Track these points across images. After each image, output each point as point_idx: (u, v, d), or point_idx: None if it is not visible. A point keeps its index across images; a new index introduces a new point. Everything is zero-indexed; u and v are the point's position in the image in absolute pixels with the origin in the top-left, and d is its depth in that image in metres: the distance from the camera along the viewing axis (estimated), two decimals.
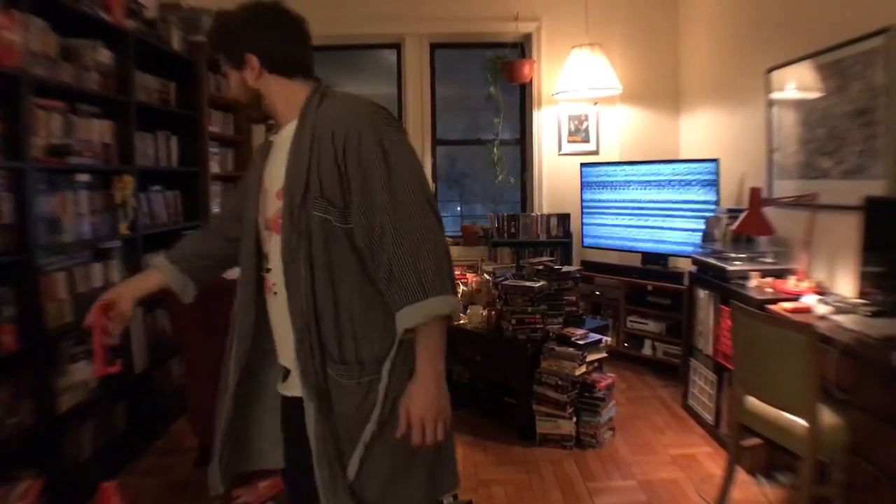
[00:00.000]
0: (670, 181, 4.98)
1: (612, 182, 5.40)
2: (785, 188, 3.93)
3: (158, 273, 1.90)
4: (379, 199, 1.51)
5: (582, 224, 5.65)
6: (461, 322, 4.19)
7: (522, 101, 6.20)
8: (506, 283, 3.98)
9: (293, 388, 1.67)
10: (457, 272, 4.81)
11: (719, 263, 3.77)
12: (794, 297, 3.19)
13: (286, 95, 1.67)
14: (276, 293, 1.68)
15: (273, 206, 1.66)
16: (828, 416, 2.51)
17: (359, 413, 1.58)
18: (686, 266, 4.51)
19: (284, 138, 1.66)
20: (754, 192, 3.71)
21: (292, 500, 1.87)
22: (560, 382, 3.66)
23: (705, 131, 5.32)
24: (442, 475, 1.72)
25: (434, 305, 1.50)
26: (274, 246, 1.66)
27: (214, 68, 5.02)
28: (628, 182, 5.28)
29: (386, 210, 1.51)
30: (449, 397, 1.57)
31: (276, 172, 1.66)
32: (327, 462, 1.57)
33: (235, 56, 1.67)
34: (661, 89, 5.83)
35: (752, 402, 2.78)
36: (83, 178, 3.32)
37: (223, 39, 1.69)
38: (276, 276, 1.66)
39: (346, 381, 1.58)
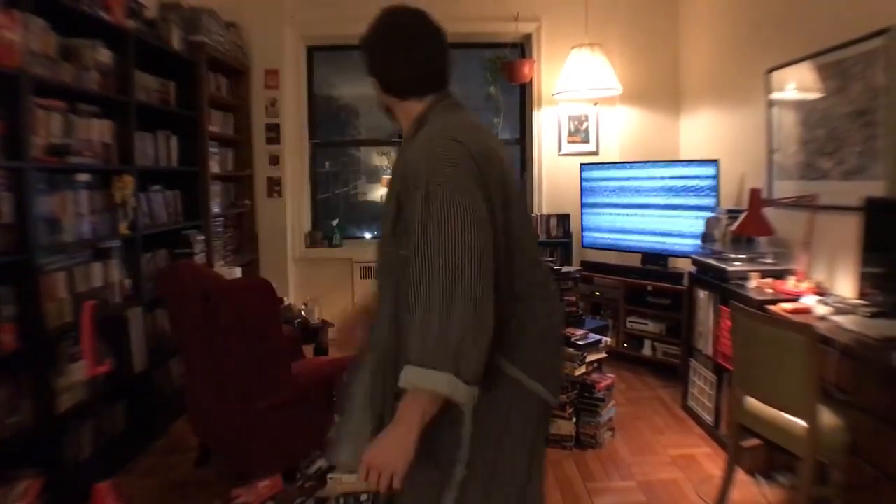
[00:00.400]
0: (670, 182, 4.98)
1: (612, 183, 5.40)
2: (785, 189, 3.93)
3: None
4: (414, 245, 1.46)
5: (582, 224, 5.65)
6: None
7: (522, 101, 6.20)
8: None
9: None
10: None
11: (719, 264, 3.77)
12: (794, 298, 3.20)
13: (402, 113, 1.75)
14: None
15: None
16: (827, 417, 2.51)
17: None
18: (686, 266, 4.51)
19: None
20: (754, 192, 3.71)
21: None
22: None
23: (705, 132, 5.32)
24: None
25: (433, 380, 1.40)
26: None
27: (214, 68, 5.03)
28: (628, 183, 5.28)
29: (416, 260, 1.44)
30: (408, 458, 1.43)
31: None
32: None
33: (370, 73, 1.76)
34: (661, 90, 5.83)
35: (752, 402, 2.78)
36: (83, 177, 3.32)
37: (363, 58, 1.77)
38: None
39: None
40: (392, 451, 1.44)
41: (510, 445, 1.64)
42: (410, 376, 1.41)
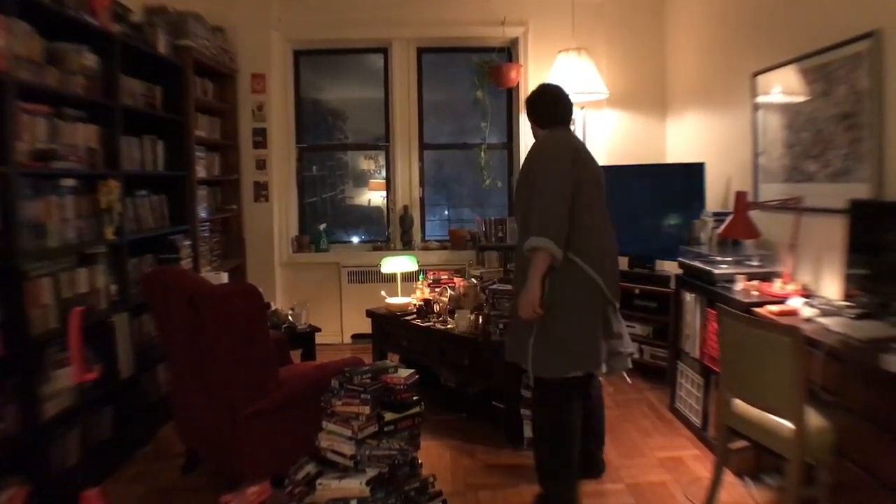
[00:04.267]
0: (657, 185, 5.00)
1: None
2: (771, 191, 3.95)
3: None
4: (537, 187, 2.88)
5: None
6: (448, 326, 4.19)
7: (509, 105, 6.22)
8: (493, 287, 3.98)
9: None
10: (444, 276, 4.83)
11: (706, 267, 3.79)
12: (780, 300, 3.22)
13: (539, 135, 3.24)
14: None
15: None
16: (814, 419, 2.52)
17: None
18: (673, 269, 4.52)
19: None
20: (740, 195, 3.73)
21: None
22: None
23: (691, 135, 5.35)
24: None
25: (538, 241, 2.79)
26: None
27: (200, 72, 5.01)
28: (615, 186, 5.28)
29: (533, 192, 2.89)
30: (538, 296, 2.84)
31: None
32: None
33: (530, 118, 3.27)
34: (647, 93, 5.87)
35: (739, 404, 2.80)
36: (68, 182, 3.29)
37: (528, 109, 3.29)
38: None
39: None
40: (529, 295, 2.85)
41: (573, 301, 2.93)
42: (531, 242, 2.81)
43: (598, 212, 3.01)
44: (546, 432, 3.04)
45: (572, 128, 3.31)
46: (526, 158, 3.07)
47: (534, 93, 3.22)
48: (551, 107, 3.16)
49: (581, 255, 2.90)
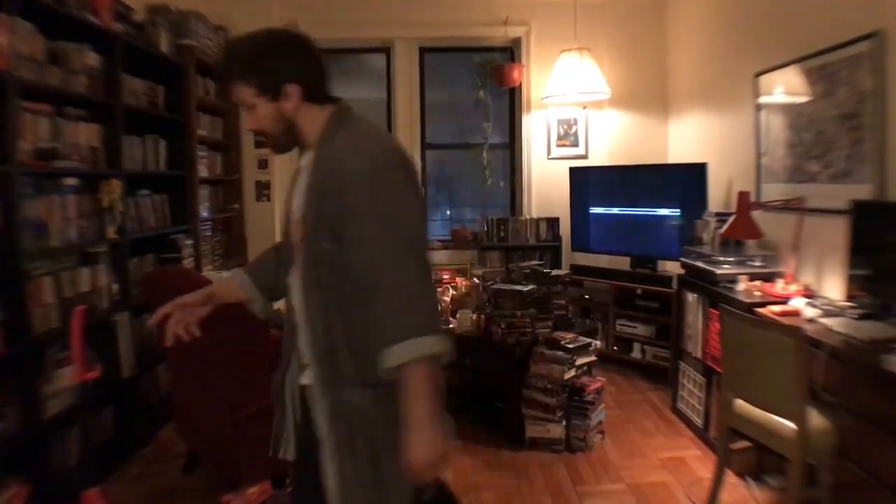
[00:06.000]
0: (659, 185, 5.00)
1: (601, 186, 5.41)
2: (773, 192, 3.95)
3: (237, 285, 1.97)
4: (369, 232, 1.54)
5: (571, 228, 5.66)
6: (451, 326, 4.18)
7: (511, 105, 6.21)
8: (495, 286, 3.98)
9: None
10: (446, 276, 4.83)
11: (708, 267, 3.79)
12: (783, 301, 3.21)
13: (315, 122, 1.69)
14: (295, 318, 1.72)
15: (297, 231, 1.69)
16: (816, 419, 2.52)
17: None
18: (675, 270, 4.52)
19: (308, 164, 1.69)
20: (742, 195, 3.72)
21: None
22: (549, 386, 3.66)
23: (694, 135, 5.34)
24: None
25: (424, 344, 1.48)
26: (294, 271, 1.72)
27: (202, 71, 5.01)
28: (617, 186, 5.29)
29: (373, 247, 1.53)
30: (441, 437, 1.51)
31: (298, 199, 1.70)
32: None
33: (271, 87, 1.63)
34: (649, 94, 5.86)
35: (741, 405, 2.79)
36: (70, 181, 3.29)
37: (254, 70, 1.63)
38: (296, 299, 1.71)
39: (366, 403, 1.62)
40: (429, 440, 1.50)
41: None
42: (403, 352, 1.48)
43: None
44: None
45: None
46: (318, 173, 1.63)
47: (265, 39, 1.65)
48: (316, 62, 1.69)
49: None
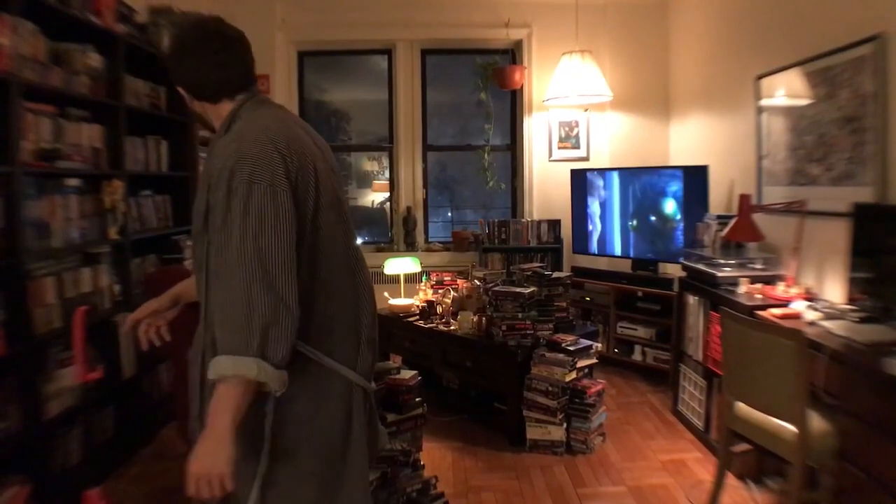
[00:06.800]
0: (660, 187, 5.00)
1: (603, 188, 5.41)
2: (774, 195, 3.95)
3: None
4: (216, 240, 1.51)
5: (572, 230, 5.66)
6: (452, 328, 4.19)
7: (513, 107, 6.21)
8: (496, 289, 3.98)
9: None
10: (447, 278, 4.83)
11: (709, 269, 3.79)
12: (784, 303, 3.21)
13: (218, 119, 1.73)
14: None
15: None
16: (817, 422, 2.52)
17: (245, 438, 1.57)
18: (676, 272, 4.52)
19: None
20: (744, 198, 3.72)
21: None
22: (550, 388, 3.66)
23: (695, 138, 5.35)
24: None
25: (243, 366, 1.43)
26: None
27: None
28: (618, 188, 5.30)
29: (217, 250, 1.50)
30: (229, 457, 1.45)
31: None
32: None
33: (175, 85, 1.75)
34: (651, 96, 5.86)
35: (742, 407, 2.79)
36: (73, 182, 3.30)
37: (168, 71, 1.74)
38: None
39: None
40: (212, 455, 1.45)
41: (320, 440, 1.66)
42: (218, 366, 1.44)
43: (341, 250, 1.71)
44: None
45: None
46: (206, 170, 1.66)
47: (178, 37, 1.72)
48: (226, 55, 1.68)
49: (323, 345, 1.65)
